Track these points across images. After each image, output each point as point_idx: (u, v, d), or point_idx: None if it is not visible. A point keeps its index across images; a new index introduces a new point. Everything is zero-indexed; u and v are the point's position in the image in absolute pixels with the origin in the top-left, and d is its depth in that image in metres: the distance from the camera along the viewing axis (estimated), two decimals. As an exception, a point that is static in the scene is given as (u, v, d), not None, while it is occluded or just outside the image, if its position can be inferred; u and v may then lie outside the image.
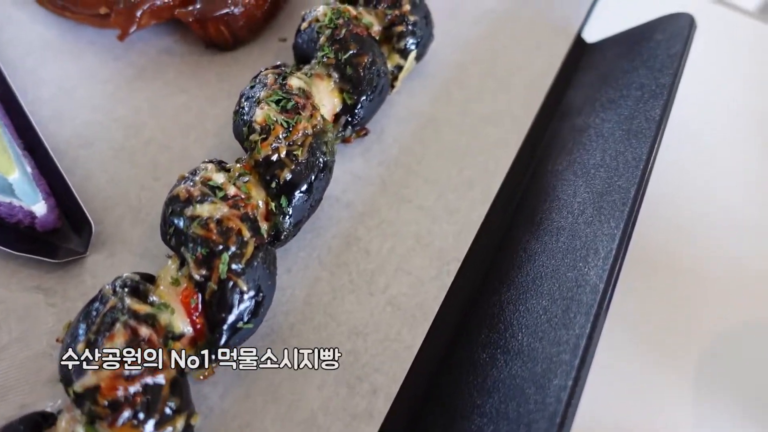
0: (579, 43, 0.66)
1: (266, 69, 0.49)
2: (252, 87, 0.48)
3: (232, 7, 0.56)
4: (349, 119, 0.52)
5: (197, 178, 0.42)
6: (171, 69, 0.58)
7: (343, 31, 0.52)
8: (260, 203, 0.44)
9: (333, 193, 0.52)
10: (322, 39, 0.52)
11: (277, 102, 0.46)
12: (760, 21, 0.78)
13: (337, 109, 0.51)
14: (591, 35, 0.67)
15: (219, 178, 0.42)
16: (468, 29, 0.66)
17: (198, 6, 0.55)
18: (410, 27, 0.55)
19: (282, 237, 0.45)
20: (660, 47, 0.56)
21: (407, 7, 0.55)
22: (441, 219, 0.51)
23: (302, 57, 0.55)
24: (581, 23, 0.67)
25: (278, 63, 0.51)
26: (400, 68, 0.57)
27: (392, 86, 0.57)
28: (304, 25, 0.54)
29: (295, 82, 0.47)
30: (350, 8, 0.54)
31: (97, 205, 0.49)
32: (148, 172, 0.51)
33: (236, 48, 0.60)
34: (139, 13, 0.55)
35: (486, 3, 0.68)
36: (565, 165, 0.52)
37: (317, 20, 0.53)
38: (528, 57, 0.64)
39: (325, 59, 0.51)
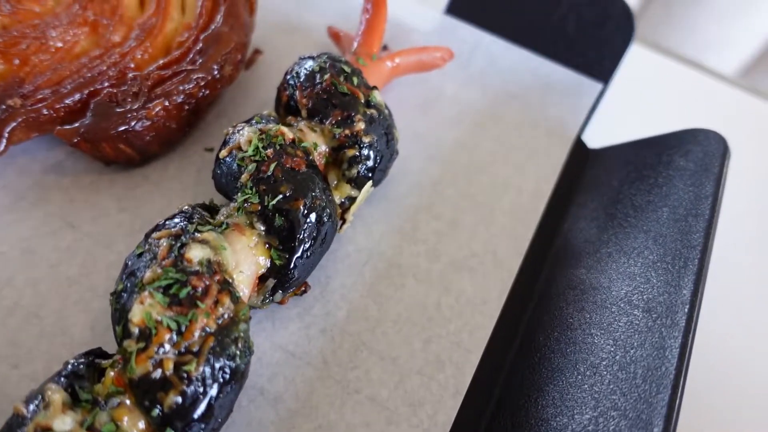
0: (579, 147, 0.54)
1: (162, 227, 0.37)
2: (139, 255, 0.35)
3: (133, 122, 0.43)
4: (279, 282, 0.39)
5: (29, 428, 0.28)
6: (58, 195, 0.45)
7: (273, 166, 0.39)
8: (136, 438, 0.31)
9: (257, 383, 0.39)
10: (245, 176, 0.39)
11: (167, 289, 0.33)
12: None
13: (263, 270, 0.39)
14: (593, 141, 0.55)
15: (64, 423, 0.29)
16: (443, 131, 0.53)
17: (86, 121, 0.43)
18: (365, 151, 0.43)
19: (169, 480, 0.32)
20: (683, 179, 0.43)
21: (361, 126, 0.43)
22: (399, 419, 0.39)
23: (223, 191, 0.43)
24: (581, 125, 0.54)
25: (184, 209, 0.39)
26: (352, 199, 0.44)
27: (342, 219, 0.45)
28: (224, 152, 0.41)
29: (196, 253, 0.34)
30: (285, 130, 0.41)
31: (-75, 411, 0.36)
32: (4, 356, 0.38)
33: (147, 162, 0.48)
34: (8, 130, 0.42)
35: (466, 96, 0.56)
36: (563, 345, 0.40)
37: (239, 148, 0.40)
38: (517, 170, 0.51)
39: (247, 204, 0.39)
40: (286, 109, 0.46)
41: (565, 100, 0.55)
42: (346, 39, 0.54)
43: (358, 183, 0.44)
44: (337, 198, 0.44)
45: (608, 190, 0.48)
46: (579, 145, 0.54)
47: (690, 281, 0.37)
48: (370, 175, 0.44)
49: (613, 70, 0.54)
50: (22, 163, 0.46)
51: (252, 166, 0.39)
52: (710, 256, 0.38)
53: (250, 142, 0.40)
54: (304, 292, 0.43)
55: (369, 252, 0.46)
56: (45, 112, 0.42)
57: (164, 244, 0.35)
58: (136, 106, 0.43)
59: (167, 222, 0.37)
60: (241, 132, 0.41)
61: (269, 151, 0.40)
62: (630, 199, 0.46)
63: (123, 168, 0.47)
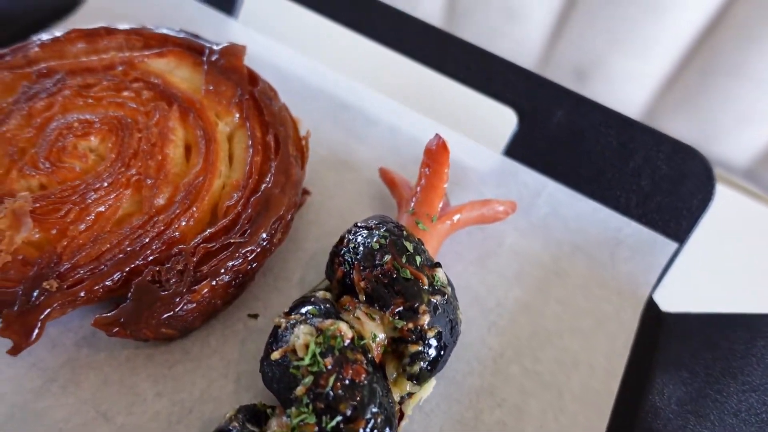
0: (651, 309, 0.50)
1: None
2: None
3: (177, 308, 0.39)
4: None
5: None
6: (91, 375, 0.42)
7: (332, 380, 0.35)
8: None
9: None
10: (300, 389, 0.35)
11: None
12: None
13: (315, 501, 0.34)
14: (665, 301, 0.51)
15: None
16: (503, 291, 0.49)
17: (127, 307, 0.39)
18: (430, 348, 0.39)
19: None
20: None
21: (426, 319, 0.39)
22: None
23: (272, 390, 0.39)
24: (653, 285, 0.50)
25: (230, 428, 0.34)
26: (411, 394, 0.40)
27: (401, 414, 0.40)
28: (276, 355, 0.37)
29: (248, 508, 0.30)
30: (344, 328, 0.37)
31: None
32: None
33: (187, 335, 0.44)
34: (42, 317, 0.38)
35: (527, 248, 0.51)
36: None
37: (294, 352, 0.37)
38: (586, 341, 0.47)
39: (301, 423, 0.35)
40: (341, 283, 0.43)
41: (636, 257, 0.51)
42: (402, 187, 0.50)
43: (419, 378, 0.40)
44: (396, 395, 0.40)
45: (691, 379, 0.44)
46: (651, 307, 0.50)
47: None
48: (432, 369, 0.40)
49: (689, 230, 0.49)
50: (54, 335, 0.43)
51: (309, 379, 0.35)
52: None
53: (306, 347, 0.36)
54: (357, 506, 0.38)
55: (427, 449, 0.41)
56: (82, 294, 0.39)
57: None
58: (181, 290, 0.39)
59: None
60: (296, 332, 0.37)
61: (328, 360, 0.36)
62: (722, 403, 0.41)
63: (162, 342, 0.43)
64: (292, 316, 0.39)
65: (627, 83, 1.19)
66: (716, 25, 1.04)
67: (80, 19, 0.63)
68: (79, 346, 0.43)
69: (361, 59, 0.60)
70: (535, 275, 0.50)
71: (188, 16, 0.64)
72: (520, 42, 1.17)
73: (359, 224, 0.44)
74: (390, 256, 0.40)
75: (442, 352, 0.40)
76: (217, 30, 0.63)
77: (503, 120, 0.55)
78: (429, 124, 0.57)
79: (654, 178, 0.50)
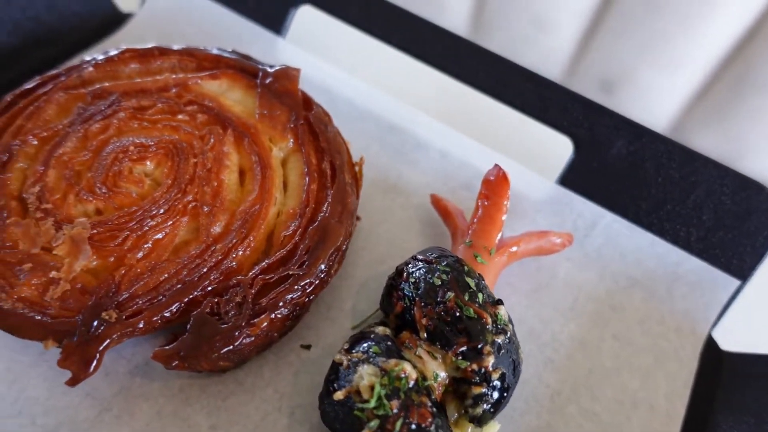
0: (711, 347, 0.48)
1: None
2: None
3: (236, 342, 0.38)
4: None
5: None
6: (145, 406, 0.41)
7: (399, 424, 0.34)
8: None
9: None
10: (366, 433, 0.34)
11: None
12: None
13: None
14: (725, 341, 0.49)
15: None
16: (559, 325, 0.48)
17: (186, 340, 0.38)
18: (493, 391, 0.38)
19: None
20: None
21: (490, 360, 0.38)
22: None
23: (331, 427, 0.38)
24: (713, 323, 0.49)
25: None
26: (471, 434, 0.39)
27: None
28: (339, 395, 0.36)
29: None
30: (409, 369, 0.36)
31: None
32: None
33: (241, 365, 0.43)
34: (101, 348, 0.38)
35: (581, 280, 0.50)
36: None
37: (358, 393, 0.36)
38: (644, 380, 0.46)
39: (367, 469, 0.34)
40: (399, 318, 0.42)
41: (695, 293, 0.49)
42: (457, 217, 0.49)
43: (481, 421, 0.39)
44: (457, 436, 0.39)
45: (758, 426, 0.42)
46: (711, 346, 0.48)
47: None
48: (495, 411, 0.39)
49: (753, 267, 0.48)
50: (108, 363, 0.42)
51: (375, 423, 0.34)
52: None
53: (371, 388, 0.35)
54: None
55: (485, 492, 0.40)
56: (141, 325, 0.39)
57: None
58: (241, 323, 0.39)
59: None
60: (359, 371, 0.36)
61: (394, 403, 0.35)
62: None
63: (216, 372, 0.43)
64: (354, 354, 0.38)
65: (655, 96, 1.17)
66: (749, 38, 1.02)
67: (126, 36, 0.63)
68: (132, 375, 0.42)
69: (410, 81, 0.59)
70: (590, 309, 0.49)
71: (235, 35, 0.63)
72: (548, 52, 1.15)
73: (418, 257, 0.43)
74: (452, 294, 0.39)
75: (505, 394, 0.39)
76: (265, 49, 0.62)
77: (558, 148, 0.54)
78: (480, 150, 0.56)
79: (717, 213, 0.49)
